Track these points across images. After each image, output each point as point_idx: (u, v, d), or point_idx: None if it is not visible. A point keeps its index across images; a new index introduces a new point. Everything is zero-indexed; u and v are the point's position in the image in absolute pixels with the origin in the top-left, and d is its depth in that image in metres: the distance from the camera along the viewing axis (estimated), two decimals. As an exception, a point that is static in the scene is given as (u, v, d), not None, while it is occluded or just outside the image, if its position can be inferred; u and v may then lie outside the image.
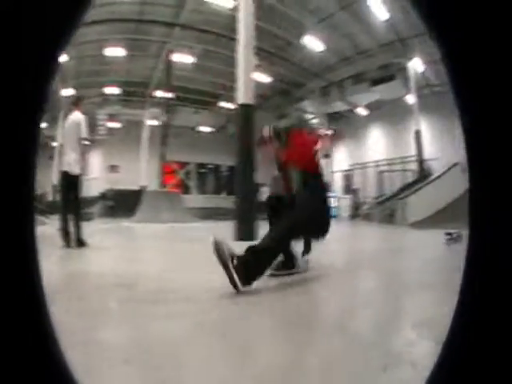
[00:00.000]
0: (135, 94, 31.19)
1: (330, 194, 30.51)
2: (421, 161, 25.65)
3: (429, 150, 29.74)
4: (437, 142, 31.40)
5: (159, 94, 27.72)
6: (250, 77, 9.90)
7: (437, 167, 25.87)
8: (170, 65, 26.18)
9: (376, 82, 28.71)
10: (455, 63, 0.59)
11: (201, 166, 40.77)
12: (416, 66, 26.79)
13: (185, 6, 22.77)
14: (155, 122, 29.38)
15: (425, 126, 30.41)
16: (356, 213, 31.84)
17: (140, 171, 29.71)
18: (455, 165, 18.51)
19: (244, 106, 9.55)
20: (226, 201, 29.89)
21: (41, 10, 0.62)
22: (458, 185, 16.99)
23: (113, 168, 34.59)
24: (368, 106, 34.75)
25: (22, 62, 0.61)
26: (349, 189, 38.37)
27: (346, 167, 39.78)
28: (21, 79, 0.62)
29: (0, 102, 0.60)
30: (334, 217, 35.63)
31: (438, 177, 18.22)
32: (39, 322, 0.65)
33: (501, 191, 0.56)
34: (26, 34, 0.60)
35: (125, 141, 32.32)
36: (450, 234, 8.22)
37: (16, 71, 0.61)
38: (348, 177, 39.63)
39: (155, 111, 28.92)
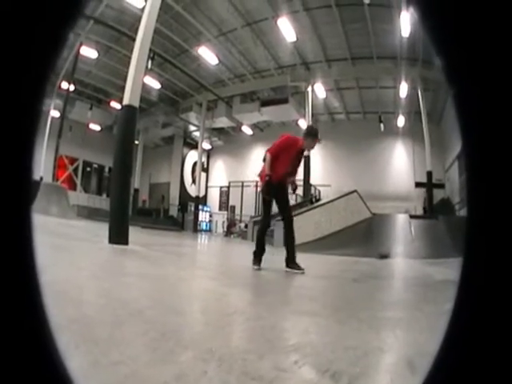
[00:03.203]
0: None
1: (206, 209, 30.71)
2: (307, 185, 25.60)
3: (320, 177, 30.55)
4: (330, 169, 32.32)
5: (64, 85, 26.94)
6: (140, 79, 9.75)
7: (328, 194, 26.65)
8: (77, 57, 25.60)
9: (267, 102, 28.88)
10: (457, 72, 0.60)
11: (87, 164, 39.66)
12: (317, 91, 27.31)
13: (104, 1, 22.34)
14: (57, 114, 28.53)
15: (318, 153, 31.15)
16: (231, 230, 32.14)
17: (40, 162, 28.59)
18: (352, 192, 18.83)
19: (128, 108, 9.26)
20: (106, 202, 29.57)
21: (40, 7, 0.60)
22: (350, 212, 17.51)
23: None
24: (255, 126, 35.27)
25: (21, 55, 0.59)
26: (225, 205, 38.75)
27: (224, 183, 40.09)
28: (19, 76, 0.60)
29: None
30: (208, 231, 35.94)
31: (327, 203, 18.25)
32: (36, 323, 0.63)
33: (500, 209, 0.56)
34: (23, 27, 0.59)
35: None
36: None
37: (14, 67, 0.59)
38: (225, 193, 39.86)
39: (59, 102, 28.15)
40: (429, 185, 24.38)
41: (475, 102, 0.58)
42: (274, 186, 6.54)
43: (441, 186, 25.84)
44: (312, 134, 6.71)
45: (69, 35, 0.64)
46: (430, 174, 24.11)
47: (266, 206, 6.93)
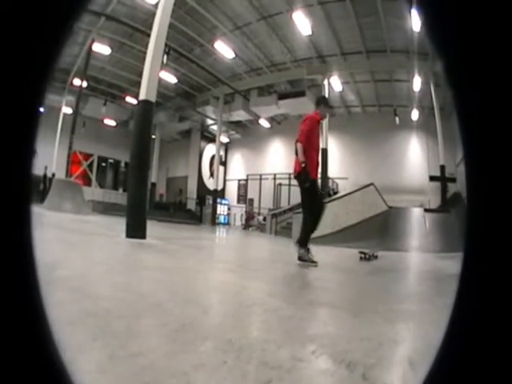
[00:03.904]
0: (57, 79, 30.07)
1: (224, 202, 30.67)
2: (325, 178, 25.45)
3: (337, 169, 30.42)
4: (347, 162, 32.16)
5: (76, 81, 26.93)
6: (156, 74, 9.76)
7: (344, 186, 26.61)
8: (90, 54, 25.49)
9: (284, 95, 28.80)
10: (456, 73, 0.62)
11: (102, 159, 39.76)
12: (333, 84, 27.23)
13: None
14: (70, 110, 28.59)
15: (335, 146, 31.06)
16: (249, 223, 32.07)
17: (52, 158, 28.60)
18: (369, 185, 18.69)
19: (145, 103, 9.31)
20: (122, 197, 29.61)
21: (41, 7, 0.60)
22: (367, 205, 17.42)
23: (32, 153, 32.87)
24: (273, 119, 35.17)
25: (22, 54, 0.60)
26: (244, 198, 38.66)
27: (242, 177, 40.00)
28: (20, 74, 0.60)
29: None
30: (227, 224, 35.88)
31: (344, 196, 18.16)
32: (35, 321, 0.62)
33: (501, 207, 0.58)
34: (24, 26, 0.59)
35: (43, 126, 29.86)
36: (363, 252, 8.60)
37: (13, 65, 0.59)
38: (243, 186, 39.80)
39: (71, 99, 28.20)
40: (442, 179, 24.23)
41: (474, 103, 0.60)
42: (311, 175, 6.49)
43: (453, 180, 25.61)
44: (323, 102, 7.00)
45: (70, 33, 0.64)
46: (442, 168, 23.95)
47: (308, 195, 6.63)
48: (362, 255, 8.52)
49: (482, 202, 0.60)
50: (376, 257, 8.91)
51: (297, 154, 6.44)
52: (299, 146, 6.37)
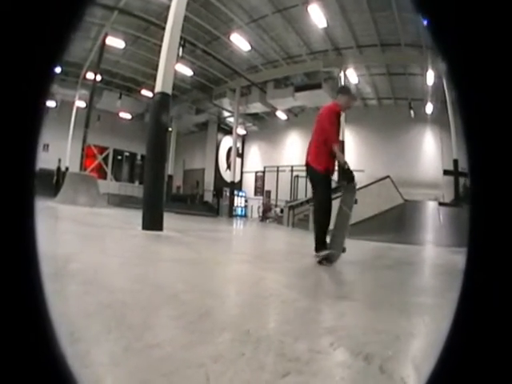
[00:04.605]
0: (70, 74, 30.21)
1: (241, 194, 30.43)
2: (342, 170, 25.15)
3: (353, 162, 30.31)
4: (363, 154, 32.00)
5: (90, 75, 26.93)
6: (171, 66, 9.76)
7: (361, 179, 26.51)
8: (103, 48, 25.32)
9: (300, 88, 28.68)
10: (459, 76, 0.62)
11: (118, 152, 39.80)
12: (349, 76, 27.05)
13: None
14: (83, 104, 28.64)
15: (352, 138, 30.92)
16: (266, 215, 32.04)
17: (66, 152, 28.70)
18: (385, 178, 18.54)
19: (161, 95, 9.31)
20: (138, 189, 29.66)
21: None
22: (383, 198, 17.36)
23: (43, 147, 32.66)
24: (290, 111, 35.06)
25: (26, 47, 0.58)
26: (261, 190, 38.56)
27: (259, 169, 39.82)
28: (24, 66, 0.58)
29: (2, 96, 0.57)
30: (244, 216, 35.82)
31: (360, 188, 17.95)
32: (37, 318, 0.60)
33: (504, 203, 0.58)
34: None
35: (56, 120, 30.26)
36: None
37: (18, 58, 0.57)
38: (260, 178, 39.66)
39: (85, 93, 28.24)
40: (455, 173, 24.08)
41: (477, 104, 0.60)
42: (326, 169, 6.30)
43: (466, 174, 25.31)
44: (343, 91, 6.56)
45: (77, 25, 0.62)
46: (456, 162, 23.78)
47: (328, 187, 6.49)
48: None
49: (485, 198, 0.60)
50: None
51: (333, 155, 6.16)
52: (335, 147, 6.08)
